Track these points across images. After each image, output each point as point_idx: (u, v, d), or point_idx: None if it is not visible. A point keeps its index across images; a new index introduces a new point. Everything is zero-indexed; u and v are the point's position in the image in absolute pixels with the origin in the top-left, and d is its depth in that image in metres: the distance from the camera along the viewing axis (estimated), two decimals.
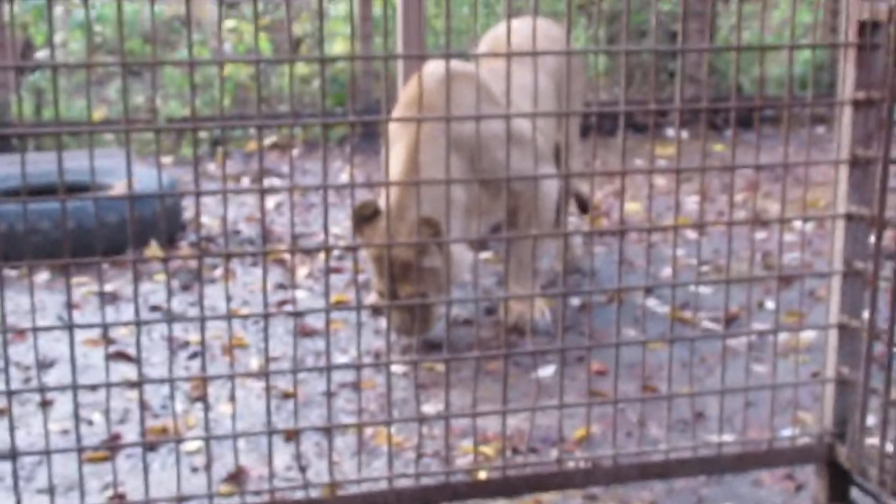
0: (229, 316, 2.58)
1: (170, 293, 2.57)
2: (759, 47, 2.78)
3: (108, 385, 2.51)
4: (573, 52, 2.88)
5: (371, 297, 4.36)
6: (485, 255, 5.31)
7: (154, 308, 4.58)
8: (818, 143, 7.55)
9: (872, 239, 2.75)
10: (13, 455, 2.48)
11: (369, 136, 8.12)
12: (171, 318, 2.56)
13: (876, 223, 2.71)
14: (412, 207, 3.89)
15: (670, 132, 8.22)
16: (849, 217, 2.81)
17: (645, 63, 9.09)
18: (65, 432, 3.51)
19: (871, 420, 3.03)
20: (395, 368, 4.01)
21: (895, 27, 2.62)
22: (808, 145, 2.89)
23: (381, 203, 4.00)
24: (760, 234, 5.62)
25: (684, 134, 7.92)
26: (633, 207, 6.17)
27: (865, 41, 2.76)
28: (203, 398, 2.62)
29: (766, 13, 9.77)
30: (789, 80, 2.86)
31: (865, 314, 2.81)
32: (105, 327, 2.52)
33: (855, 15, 2.76)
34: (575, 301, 4.67)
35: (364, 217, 3.98)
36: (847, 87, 2.81)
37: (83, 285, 4.87)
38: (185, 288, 4.87)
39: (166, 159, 7.37)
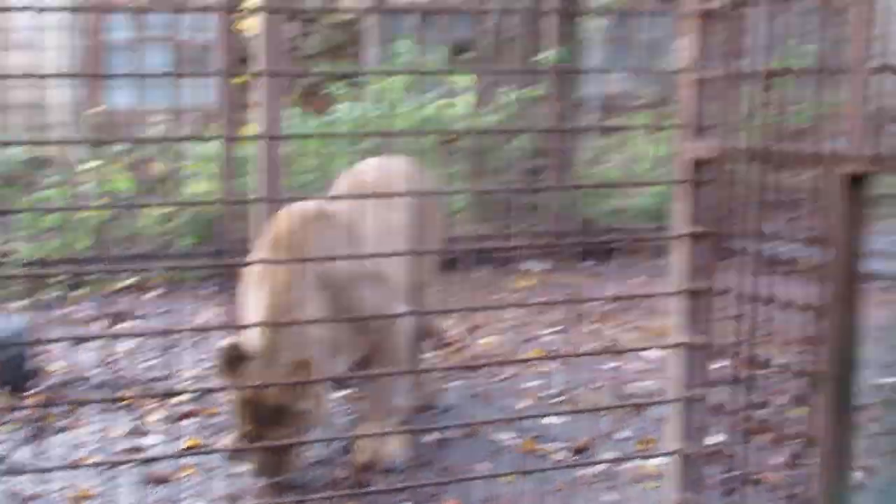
0: (74, 465, 2.52)
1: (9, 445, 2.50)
2: (603, 185, 2.90)
3: None
4: (429, 192, 2.96)
5: (227, 441, 4.27)
6: (341, 393, 5.27)
7: None
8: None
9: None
10: None
11: (228, 277, 8.07)
12: (11, 470, 2.49)
13: (710, 351, 2.82)
14: (281, 350, 3.85)
15: (529, 265, 8.38)
16: (686, 346, 2.92)
17: (503, 199, 9.30)
18: None
19: None
20: None
21: (723, 165, 2.76)
22: (650, 277, 3.01)
23: (248, 345, 3.96)
24: (613, 364, 5.73)
25: (545, 266, 8.07)
26: (490, 341, 6.24)
27: (698, 178, 2.91)
28: None
29: (622, 148, 10.20)
30: (627, 215, 3.00)
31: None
32: None
33: (688, 153, 2.91)
34: (431, 437, 4.66)
35: (231, 360, 3.91)
36: (681, 221, 2.94)
37: None
38: (34, 437, 4.70)
39: (21, 304, 7.19)
